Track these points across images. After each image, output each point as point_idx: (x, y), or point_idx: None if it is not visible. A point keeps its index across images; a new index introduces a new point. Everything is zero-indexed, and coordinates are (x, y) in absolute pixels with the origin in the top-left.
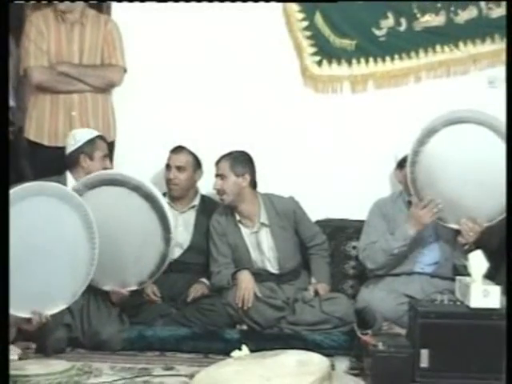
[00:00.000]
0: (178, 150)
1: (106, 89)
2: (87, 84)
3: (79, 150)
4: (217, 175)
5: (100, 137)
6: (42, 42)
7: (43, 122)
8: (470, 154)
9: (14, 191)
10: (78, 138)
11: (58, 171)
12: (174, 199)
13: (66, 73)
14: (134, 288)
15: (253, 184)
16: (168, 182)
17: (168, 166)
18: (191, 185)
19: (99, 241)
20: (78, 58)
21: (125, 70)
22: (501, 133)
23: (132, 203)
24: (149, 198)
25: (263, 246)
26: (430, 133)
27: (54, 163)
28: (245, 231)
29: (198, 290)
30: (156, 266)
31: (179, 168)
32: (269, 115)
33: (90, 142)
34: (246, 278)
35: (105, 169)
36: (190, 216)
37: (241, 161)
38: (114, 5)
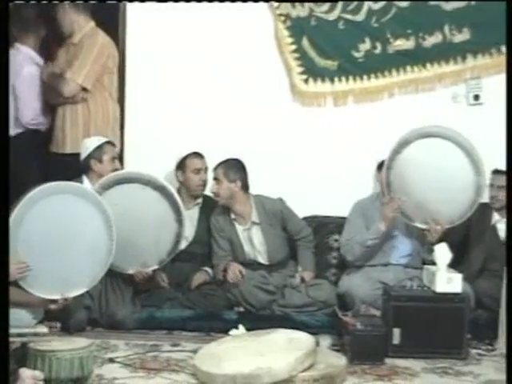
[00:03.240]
0: (195, 155)
1: (71, 99)
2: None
3: (90, 156)
4: (214, 179)
5: (108, 142)
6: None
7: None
8: (436, 164)
9: (39, 189)
10: (88, 145)
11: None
12: (182, 197)
13: (46, 81)
14: (155, 267)
15: (245, 188)
16: (185, 182)
17: (183, 169)
18: (204, 186)
19: (121, 231)
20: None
21: (80, 85)
22: (463, 146)
23: (146, 195)
24: (160, 188)
25: (255, 241)
26: (404, 144)
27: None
28: (239, 228)
29: (200, 277)
30: (173, 245)
31: (197, 171)
32: (262, 126)
33: (99, 147)
34: (233, 264)
35: (115, 169)
36: (195, 212)
37: (234, 168)
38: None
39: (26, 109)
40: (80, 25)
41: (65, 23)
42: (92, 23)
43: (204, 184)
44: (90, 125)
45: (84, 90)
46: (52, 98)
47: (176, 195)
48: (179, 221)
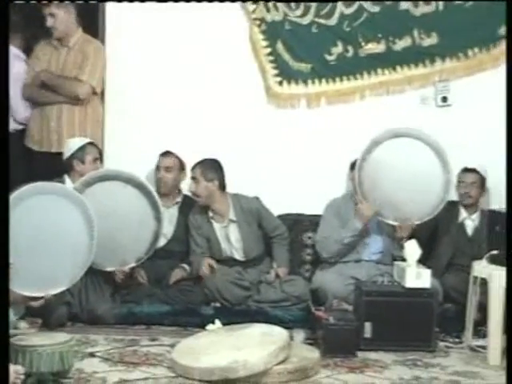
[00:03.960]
0: (167, 154)
1: (77, 101)
2: (61, 95)
3: (73, 156)
4: (192, 178)
5: (90, 143)
6: (36, 64)
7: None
8: (406, 164)
9: (24, 189)
10: (70, 146)
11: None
12: (161, 196)
13: (45, 81)
14: (133, 264)
15: (222, 187)
16: (158, 180)
17: (158, 168)
18: (176, 184)
19: (100, 229)
20: (59, 72)
21: (93, 88)
22: (432, 146)
23: (126, 193)
24: (139, 186)
25: (231, 238)
26: (375, 144)
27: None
28: (216, 226)
29: (178, 273)
30: (150, 243)
31: (167, 169)
32: (238, 127)
33: (81, 148)
34: (205, 259)
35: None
36: (174, 211)
37: (211, 168)
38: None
39: (19, 107)
40: (73, 29)
41: (59, 26)
42: (80, 28)
43: (178, 182)
44: (87, 127)
45: (94, 93)
46: (43, 97)
47: (155, 193)
48: (158, 218)
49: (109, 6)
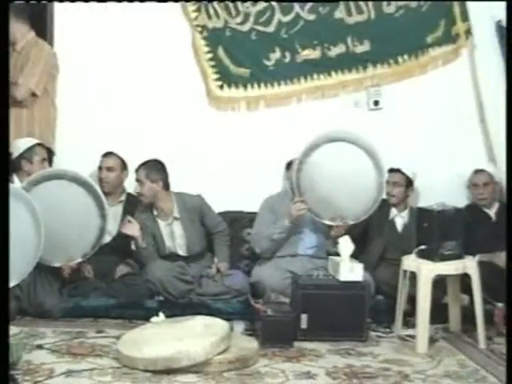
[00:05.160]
0: (108, 154)
1: (19, 103)
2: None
3: (21, 156)
4: (136, 180)
5: (39, 144)
6: None
7: None
8: (342, 166)
9: None
10: (19, 146)
11: None
12: (105, 195)
13: None
14: (79, 260)
15: (166, 187)
16: (100, 180)
17: (100, 168)
18: (119, 183)
19: (47, 227)
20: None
21: (31, 90)
22: (367, 150)
23: (72, 191)
24: (85, 185)
25: (176, 235)
26: (313, 147)
27: None
28: (161, 223)
29: (123, 268)
30: (96, 239)
31: (109, 169)
32: (181, 128)
33: (30, 148)
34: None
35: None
36: (118, 209)
37: (155, 169)
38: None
39: None
40: (22, 33)
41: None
42: (33, 32)
43: (121, 181)
44: (34, 128)
45: (33, 95)
46: None
47: (100, 191)
48: (103, 216)
49: (57, 6)
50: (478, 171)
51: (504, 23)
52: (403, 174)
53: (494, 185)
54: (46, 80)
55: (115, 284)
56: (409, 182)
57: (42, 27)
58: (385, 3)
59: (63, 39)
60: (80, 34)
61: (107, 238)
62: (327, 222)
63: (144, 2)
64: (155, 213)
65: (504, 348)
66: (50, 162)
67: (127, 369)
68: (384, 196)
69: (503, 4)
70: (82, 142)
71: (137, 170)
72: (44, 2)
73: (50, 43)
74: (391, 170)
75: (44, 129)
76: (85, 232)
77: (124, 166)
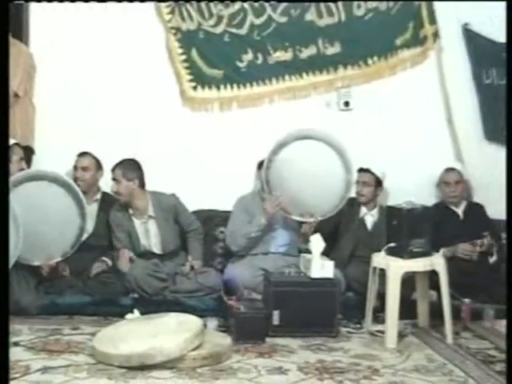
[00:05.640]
0: (83, 154)
1: None
2: None
3: None
4: (112, 179)
5: (16, 144)
6: None
7: None
8: (311, 164)
9: None
10: None
11: None
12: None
13: None
14: (59, 259)
15: (142, 185)
16: (75, 179)
17: (75, 168)
18: (94, 182)
19: (28, 226)
20: None
21: (15, 92)
22: (335, 147)
23: (52, 192)
24: (65, 185)
25: (151, 233)
26: (281, 145)
27: None
28: (136, 222)
29: (99, 266)
30: (76, 238)
31: (84, 168)
32: (156, 128)
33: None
34: (122, 252)
35: (21, 169)
36: (94, 208)
37: (131, 168)
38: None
39: None
40: None
41: None
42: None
43: (96, 181)
44: (16, 129)
45: (15, 96)
46: None
47: (80, 192)
48: (82, 215)
49: (33, 6)
50: (449, 170)
51: (470, 26)
52: (372, 173)
53: (463, 183)
54: (27, 81)
55: (90, 282)
56: (378, 182)
57: (18, 28)
58: (355, 6)
59: (39, 40)
60: (56, 34)
61: (83, 236)
62: (296, 218)
63: (121, 2)
64: (131, 211)
65: (470, 342)
66: (29, 161)
67: (102, 365)
68: (353, 194)
69: (470, 7)
70: (58, 142)
71: (113, 169)
72: (42, 2)
73: (26, 43)
74: (361, 170)
75: (24, 128)
76: (65, 231)
77: (99, 165)
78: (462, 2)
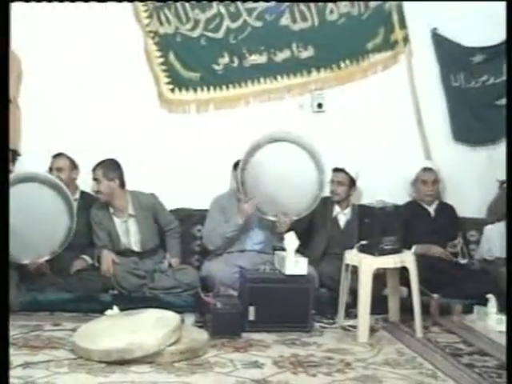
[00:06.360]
0: (58, 155)
1: None
2: None
3: None
4: (94, 179)
5: None
6: None
7: None
8: (285, 165)
9: None
10: None
11: None
12: None
13: None
14: (47, 257)
15: (122, 185)
16: (65, 182)
17: (51, 169)
18: (70, 182)
19: (19, 227)
20: None
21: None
22: (307, 149)
23: (42, 193)
24: (55, 187)
25: (130, 231)
26: (256, 147)
27: None
28: (117, 221)
29: (79, 264)
30: (65, 237)
31: (59, 169)
32: (135, 129)
33: None
34: (105, 254)
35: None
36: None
37: (111, 168)
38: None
39: None
40: None
41: None
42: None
43: (73, 180)
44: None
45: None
46: None
47: (69, 193)
48: (71, 216)
49: (14, 6)
50: (426, 169)
51: (439, 31)
52: (347, 173)
53: (439, 183)
54: (17, 86)
55: (71, 279)
56: (352, 181)
57: None
58: (328, 11)
59: (18, 40)
60: (35, 35)
61: (62, 248)
62: (271, 218)
63: (102, 3)
64: (111, 210)
65: (439, 336)
66: (14, 162)
67: (82, 360)
68: (326, 194)
69: (439, 13)
70: (36, 143)
71: (94, 169)
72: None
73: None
74: (336, 170)
75: (12, 132)
76: (54, 231)
77: (74, 165)
78: (431, 8)
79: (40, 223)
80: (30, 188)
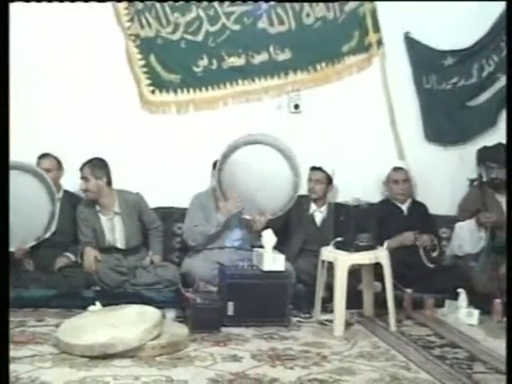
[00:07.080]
0: (44, 156)
1: None
2: None
3: None
4: (81, 178)
5: None
6: None
7: None
8: (261, 166)
9: None
10: None
11: None
12: None
13: None
14: (33, 243)
15: (109, 183)
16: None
17: (48, 170)
18: (55, 182)
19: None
20: None
21: None
22: (282, 151)
23: (24, 180)
24: (36, 175)
25: (116, 229)
26: (233, 149)
27: None
28: (103, 218)
29: (62, 261)
30: (48, 222)
31: (47, 170)
32: (116, 130)
33: None
34: (88, 251)
35: None
36: (56, 206)
37: (99, 166)
38: None
39: None
40: None
41: None
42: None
43: (57, 180)
44: None
45: None
46: None
47: (49, 180)
48: (52, 201)
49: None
50: (396, 169)
51: (412, 34)
52: (324, 171)
53: (410, 182)
54: None
55: (55, 276)
56: (329, 180)
57: None
58: (304, 15)
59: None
60: (17, 35)
61: (47, 234)
62: (247, 217)
63: (87, 2)
64: (97, 208)
65: (412, 330)
66: None
67: (66, 355)
68: (303, 192)
69: (412, 17)
70: (20, 143)
71: (82, 168)
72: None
73: None
74: (313, 168)
75: None
76: (38, 217)
77: (60, 165)
78: (404, 12)
79: (23, 209)
80: (13, 175)
